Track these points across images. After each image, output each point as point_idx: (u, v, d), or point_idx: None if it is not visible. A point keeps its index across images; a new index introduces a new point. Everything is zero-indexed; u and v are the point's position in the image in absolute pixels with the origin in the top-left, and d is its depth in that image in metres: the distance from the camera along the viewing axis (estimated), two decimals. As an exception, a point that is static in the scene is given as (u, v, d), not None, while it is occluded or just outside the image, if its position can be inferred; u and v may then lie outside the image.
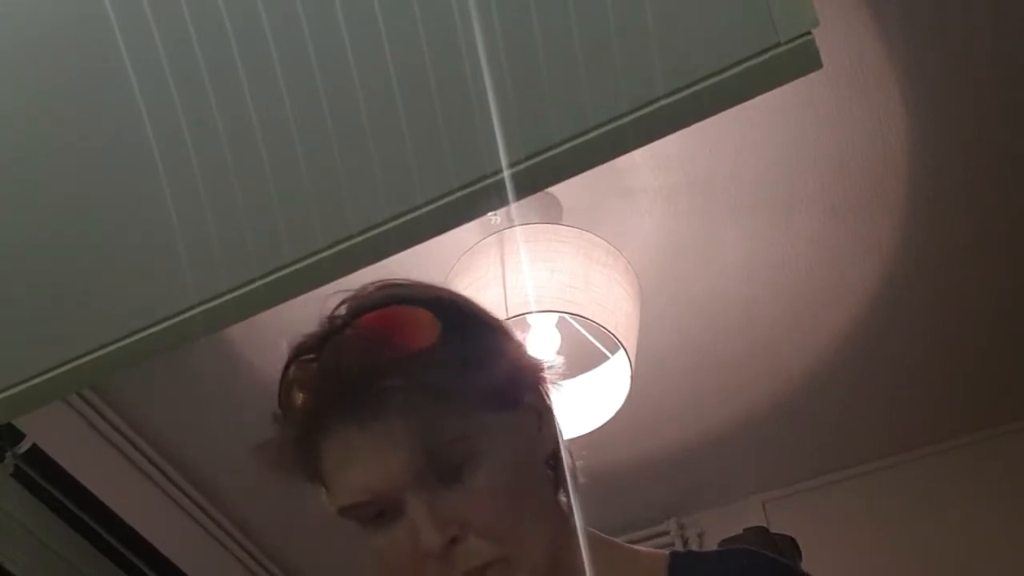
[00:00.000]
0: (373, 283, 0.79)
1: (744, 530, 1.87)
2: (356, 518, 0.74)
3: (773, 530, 1.95)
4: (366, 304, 0.76)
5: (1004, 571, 2.21)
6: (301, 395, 0.74)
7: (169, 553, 2.18)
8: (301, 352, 0.75)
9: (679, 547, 2.48)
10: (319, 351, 0.74)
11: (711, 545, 2.35)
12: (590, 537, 0.80)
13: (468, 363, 0.73)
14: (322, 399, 0.72)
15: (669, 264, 2.07)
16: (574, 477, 0.81)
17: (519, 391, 0.77)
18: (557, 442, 0.80)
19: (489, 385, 0.74)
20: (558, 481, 0.80)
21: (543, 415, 0.79)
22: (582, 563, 0.78)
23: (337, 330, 0.74)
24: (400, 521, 0.72)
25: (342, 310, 0.76)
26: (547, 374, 0.80)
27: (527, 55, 0.65)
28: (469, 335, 0.76)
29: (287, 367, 0.76)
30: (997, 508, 2.29)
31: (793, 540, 1.80)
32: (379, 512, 0.73)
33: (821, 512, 2.45)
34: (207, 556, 2.38)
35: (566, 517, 0.80)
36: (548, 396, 0.80)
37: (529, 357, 0.80)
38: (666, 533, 2.53)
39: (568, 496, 0.81)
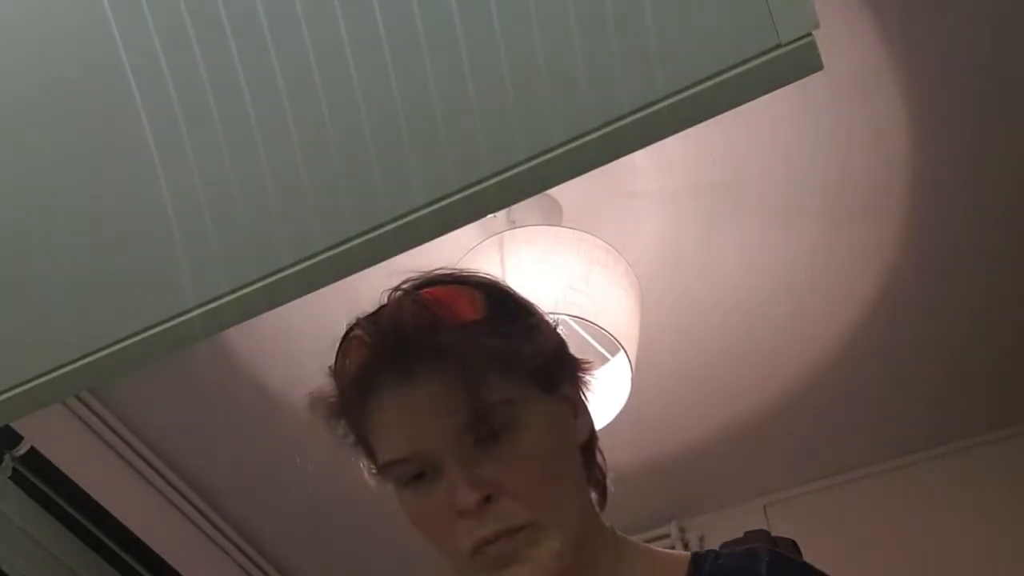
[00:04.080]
0: (432, 270, 0.84)
1: (745, 533, 1.86)
2: (395, 478, 0.77)
3: (774, 533, 1.94)
4: (423, 282, 0.81)
5: (1005, 574, 2.21)
6: (358, 352, 0.78)
7: (167, 556, 2.18)
8: (362, 317, 0.79)
9: (680, 550, 2.48)
10: (378, 313, 0.79)
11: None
12: (616, 536, 0.84)
13: (513, 337, 0.78)
14: (377, 355, 0.76)
15: (670, 267, 2.06)
16: (604, 474, 0.86)
17: (557, 378, 0.81)
18: (590, 435, 0.84)
19: (532, 360, 0.78)
20: (588, 474, 0.84)
21: (578, 407, 0.83)
22: (603, 554, 0.81)
23: (397, 298, 0.79)
24: (438, 482, 0.75)
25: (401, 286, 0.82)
26: (585, 372, 0.85)
27: (527, 56, 0.65)
28: (515, 316, 0.82)
29: (348, 330, 0.80)
30: (998, 511, 2.29)
31: (794, 543, 1.79)
32: (418, 473, 0.76)
33: (822, 515, 2.44)
34: (204, 558, 2.37)
35: (593, 508, 0.83)
36: (584, 393, 0.85)
37: (568, 352, 0.85)
38: (667, 536, 2.53)
39: (596, 492, 0.85)
